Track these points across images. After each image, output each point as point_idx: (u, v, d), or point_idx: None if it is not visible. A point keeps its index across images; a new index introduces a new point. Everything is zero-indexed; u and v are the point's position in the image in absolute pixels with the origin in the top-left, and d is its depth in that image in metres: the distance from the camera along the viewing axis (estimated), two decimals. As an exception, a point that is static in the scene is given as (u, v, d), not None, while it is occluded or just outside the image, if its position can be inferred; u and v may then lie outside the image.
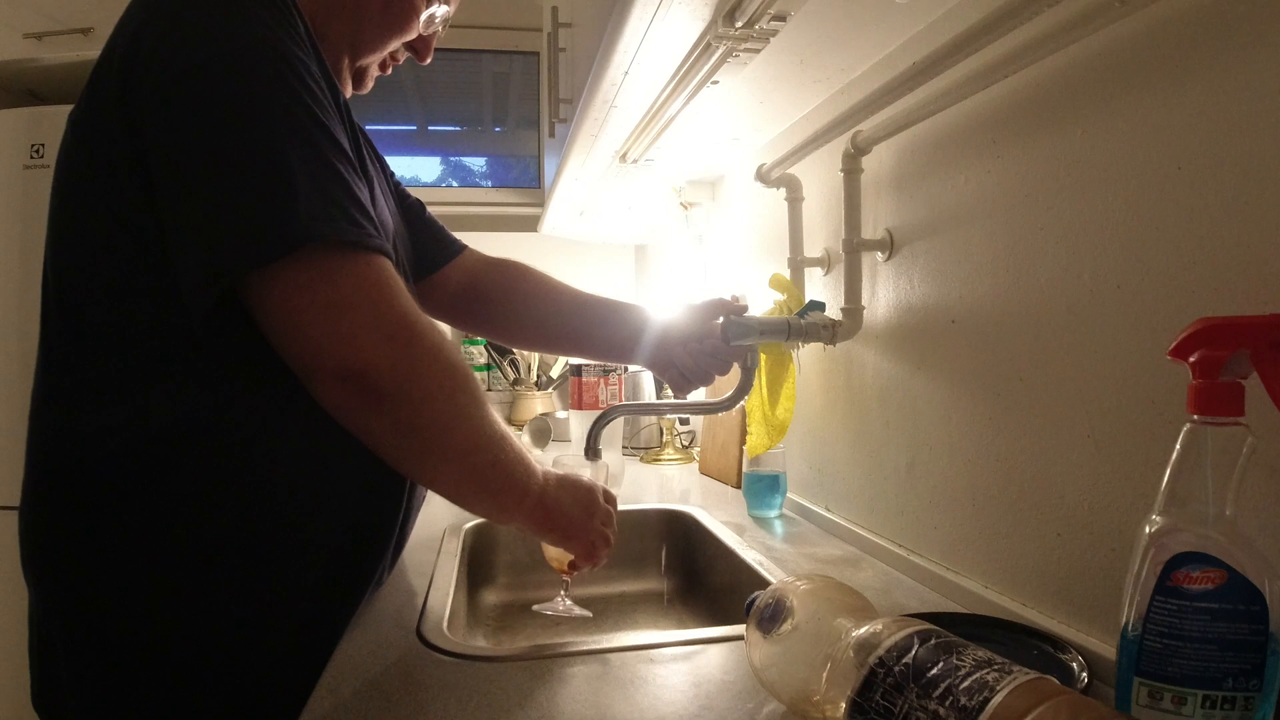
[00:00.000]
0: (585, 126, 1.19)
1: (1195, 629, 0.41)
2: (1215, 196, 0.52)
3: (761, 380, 1.08)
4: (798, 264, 1.11)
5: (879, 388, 0.96)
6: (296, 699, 0.58)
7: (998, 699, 0.38)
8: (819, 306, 1.00)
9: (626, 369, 1.97)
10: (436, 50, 0.87)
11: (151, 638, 0.64)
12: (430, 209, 1.03)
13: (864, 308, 0.97)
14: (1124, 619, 0.44)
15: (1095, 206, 0.62)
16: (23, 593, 0.68)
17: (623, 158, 1.35)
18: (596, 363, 1.97)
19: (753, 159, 1.27)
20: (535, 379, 2.30)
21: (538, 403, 2.26)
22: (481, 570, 1.11)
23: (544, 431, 1.84)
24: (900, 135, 0.87)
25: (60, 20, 1.98)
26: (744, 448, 1.24)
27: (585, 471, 0.80)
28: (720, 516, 1.15)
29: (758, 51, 0.87)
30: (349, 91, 0.81)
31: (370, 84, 0.84)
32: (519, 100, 2.73)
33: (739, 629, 0.64)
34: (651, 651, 0.66)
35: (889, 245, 0.92)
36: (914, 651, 0.44)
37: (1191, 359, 0.43)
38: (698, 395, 1.17)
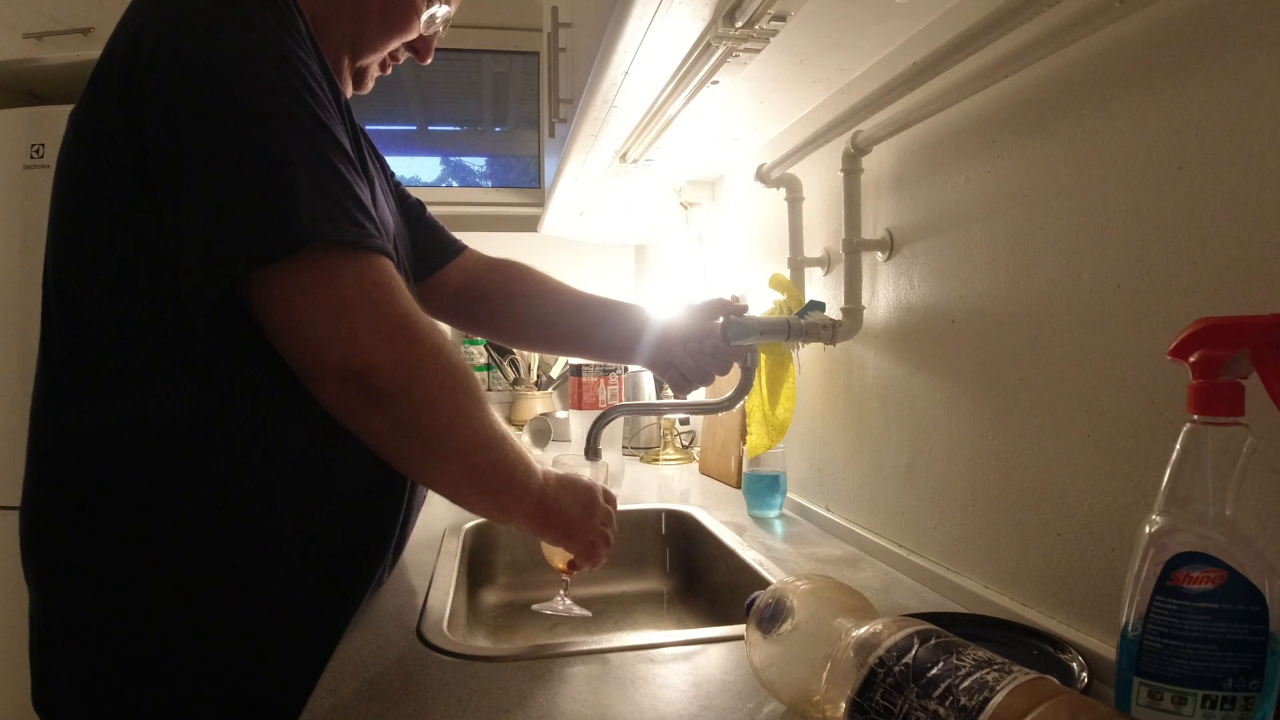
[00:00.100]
0: (585, 126, 1.19)
1: (1195, 629, 0.41)
2: (1215, 196, 0.52)
3: (761, 380, 1.08)
4: (798, 264, 1.11)
5: (879, 388, 0.96)
6: (296, 699, 0.58)
7: (998, 699, 0.38)
8: (819, 306, 1.00)
9: (626, 369, 1.97)
10: (437, 50, 0.87)
11: (151, 638, 0.64)
12: (430, 209, 1.03)
13: (864, 308, 0.97)
14: (1124, 619, 0.44)
15: (1095, 206, 0.62)
16: (23, 593, 0.68)
17: (623, 158, 1.35)
18: (596, 363, 1.96)
19: (753, 159, 1.27)
20: (535, 379, 2.30)
21: (538, 403, 2.26)
22: (481, 570, 1.11)
23: (544, 431, 1.84)
24: (900, 135, 0.87)
25: (60, 20, 1.98)
26: (744, 448, 1.24)
27: (585, 471, 0.81)
28: (720, 516, 1.15)
29: (758, 51, 0.87)
30: (349, 91, 0.81)
31: (371, 84, 0.85)
32: (519, 100, 2.74)
33: (739, 629, 0.64)
34: (651, 651, 0.66)
35: (889, 245, 0.92)
36: (914, 651, 0.44)
37: (1191, 359, 0.43)
38: (698, 395, 1.17)
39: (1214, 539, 0.41)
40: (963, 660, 0.42)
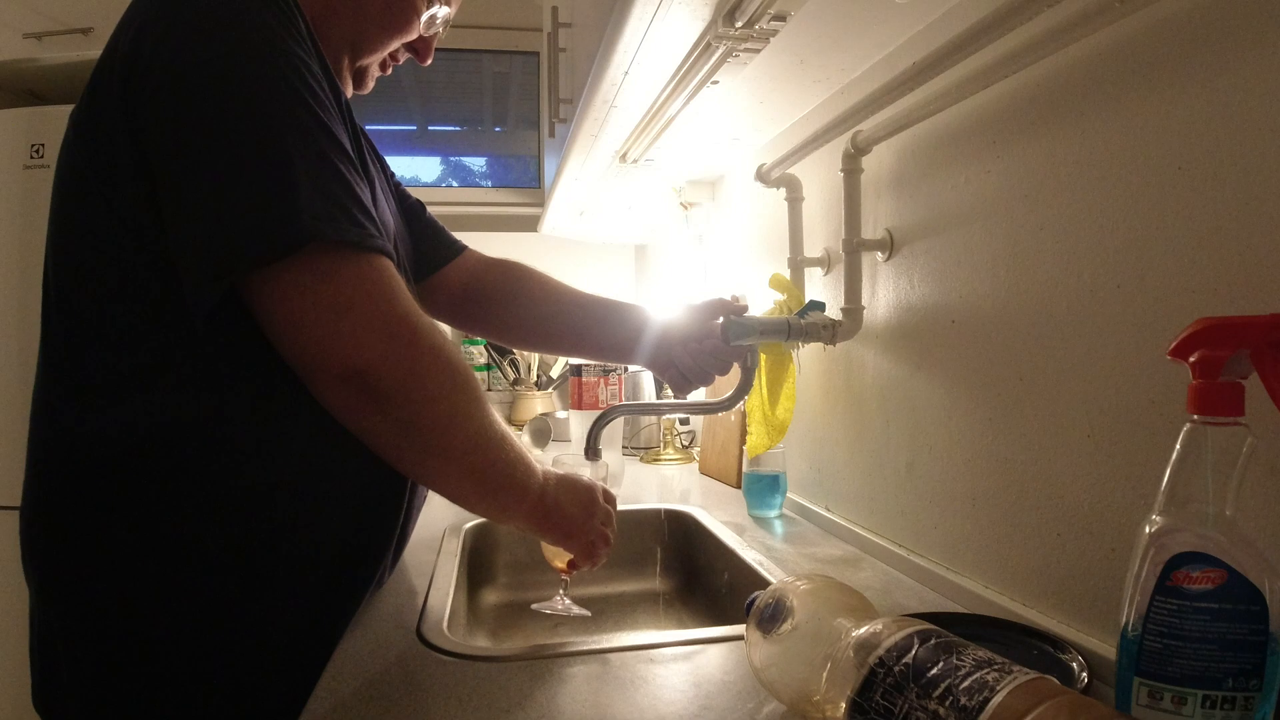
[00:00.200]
0: (585, 126, 1.19)
1: (1195, 629, 0.41)
2: (1215, 197, 0.52)
3: (761, 380, 1.08)
4: (798, 264, 1.11)
5: (879, 388, 0.96)
6: (296, 699, 0.58)
7: (998, 699, 0.38)
8: (819, 306, 1.00)
9: (626, 369, 1.97)
10: (437, 50, 0.87)
11: (152, 638, 0.64)
12: (430, 209, 1.03)
13: (864, 308, 0.97)
14: (1124, 619, 0.44)
15: (1095, 206, 0.62)
16: (23, 593, 0.68)
17: (623, 158, 1.35)
18: (596, 363, 1.97)
19: (753, 159, 1.27)
20: (535, 379, 2.30)
21: (538, 403, 2.26)
22: (481, 570, 1.11)
23: (544, 431, 1.84)
24: (900, 135, 0.87)
25: (60, 20, 1.98)
26: (744, 448, 1.24)
27: (585, 471, 0.81)
28: (720, 516, 1.15)
29: (758, 51, 0.87)
30: (349, 91, 0.81)
31: (371, 84, 0.85)
32: (519, 100, 2.74)
33: (739, 629, 0.64)
34: (651, 651, 0.66)
35: (889, 245, 0.92)
36: (914, 651, 0.44)
37: (1191, 359, 0.43)
38: (698, 395, 1.17)
39: (1214, 539, 0.41)
40: (963, 660, 0.42)
